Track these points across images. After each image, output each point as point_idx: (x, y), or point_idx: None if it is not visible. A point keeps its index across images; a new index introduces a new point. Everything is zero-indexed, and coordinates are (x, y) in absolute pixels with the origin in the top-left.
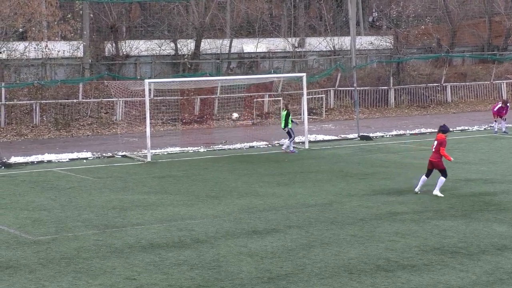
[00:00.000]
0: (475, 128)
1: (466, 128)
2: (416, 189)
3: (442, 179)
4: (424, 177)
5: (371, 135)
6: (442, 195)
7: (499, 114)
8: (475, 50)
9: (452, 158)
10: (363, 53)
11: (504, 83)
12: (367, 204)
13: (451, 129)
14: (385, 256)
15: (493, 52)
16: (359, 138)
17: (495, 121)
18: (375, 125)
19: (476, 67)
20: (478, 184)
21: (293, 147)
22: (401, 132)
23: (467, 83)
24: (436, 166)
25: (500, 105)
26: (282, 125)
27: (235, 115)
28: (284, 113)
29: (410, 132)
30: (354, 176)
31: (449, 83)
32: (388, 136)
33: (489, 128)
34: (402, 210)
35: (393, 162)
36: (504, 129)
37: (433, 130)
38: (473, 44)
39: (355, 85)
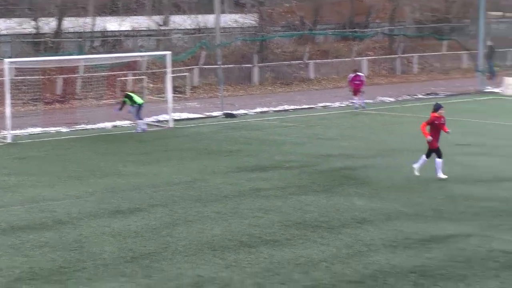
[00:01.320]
0: (337, 104)
1: (328, 104)
2: (416, 169)
3: (438, 161)
4: (424, 157)
5: (235, 112)
6: (446, 177)
7: (356, 88)
8: (337, 28)
9: (429, 137)
10: (227, 31)
11: (365, 60)
12: (231, 181)
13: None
14: (249, 232)
15: (354, 30)
16: (223, 116)
17: (355, 96)
18: (239, 102)
19: (338, 45)
20: (339, 159)
21: (141, 128)
22: (265, 109)
23: (329, 60)
24: (431, 146)
25: (353, 75)
26: (136, 102)
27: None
28: (126, 99)
29: (274, 109)
30: (218, 154)
31: (312, 60)
32: (252, 113)
33: (350, 104)
34: (265, 186)
35: (257, 139)
36: (359, 104)
37: (297, 107)
38: (335, 22)
39: (219, 63)
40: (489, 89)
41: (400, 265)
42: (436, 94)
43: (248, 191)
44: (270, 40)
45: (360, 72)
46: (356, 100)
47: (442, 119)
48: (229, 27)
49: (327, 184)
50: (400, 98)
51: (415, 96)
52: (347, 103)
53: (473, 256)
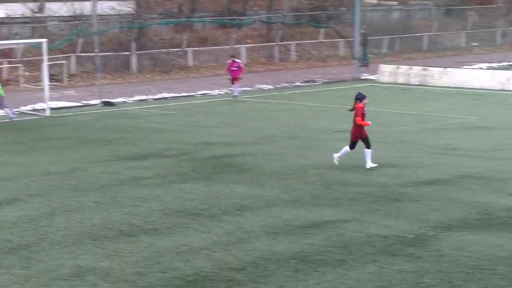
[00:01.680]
0: (216, 92)
1: (208, 92)
2: (336, 159)
3: (367, 151)
4: (347, 148)
5: (113, 100)
6: (376, 164)
7: (234, 75)
8: (216, 16)
9: (369, 122)
10: (104, 19)
11: (244, 48)
12: (109, 170)
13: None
14: (129, 221)
15: (232, 18)
16: (101, 104)
17: (233, 84)
18: (117, 90)
19: (217, 32)
20: (219, 147)
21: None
22: (144, 97)
23: (208, 48)
24: (359, 136)
25: (230, 61)
26: None
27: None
28: None
29: (153, 97)
30: (97, 142)
31: (191, 48)
32: (131, 101)
33: (229, 91)
34: (145, 174)
35: (136, 128)
36: (235, 93)
37: (176, 95)
38: (213, 9)
39: (96, 50)
40: (366, 76)
41: (280, 251)
42: (314, 81)
43: (128, 180)
44: (148, 27)
45: (238, 58)
46: (234, 88)
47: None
48: (106, 14)
49: (207, 172)
50: (278, 86)
51: (293, 84)
52: (226, 90)
53: (351, 242)
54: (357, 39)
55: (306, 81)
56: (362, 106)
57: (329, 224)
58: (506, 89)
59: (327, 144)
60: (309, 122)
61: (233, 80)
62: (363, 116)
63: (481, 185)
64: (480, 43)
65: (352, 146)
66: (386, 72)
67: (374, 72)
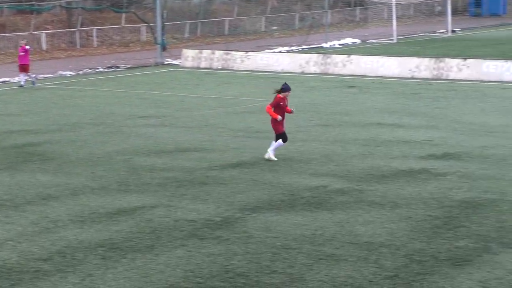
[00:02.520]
0: (17, 79)
1: (8, 79)
2: (273, 157)
3: (279, 142)
4: (280, 141)
5: None
6: (275, 159)
7: (21, 62)
8: (14, 1)
9: (279, 116)
10: None
11: (44, 34)
12: None
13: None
14: None
15: (31, 3)
16: None
17: (22, 73)
18: None
19: (15, 18)
20: (21, 135)
21: None
22: None
23: (6, 35)
24: (278, 130)
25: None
26: None
27: None
28: None
29: None
30: None
31: None
32: None
33: (30, 79)
34: None
35: None
36: (22, 83)
37: None
38: None
39: None
40: (169, 61)
41: (88, 239)
42: (117, 67)
43: None
44: None
45: (28, 44)
46: (23, 77)
47: (286, 100)
48: None
49: (10, 161)
50: (81, 72)
51: (96, 70)
52: (27, 77)
53: (159, 227)
54: (159, 24)
55: (109, 67)
56: (281, 97)
57: (137, 210)
58: (306, 72)
59: (132, 130)
60: (113, 108)
61: (22, 67)
62: (278, 107)
63: (285, 167)
64: (279, 27)
65: (283, 138)
66: (189, 57)
67: (177, 57)
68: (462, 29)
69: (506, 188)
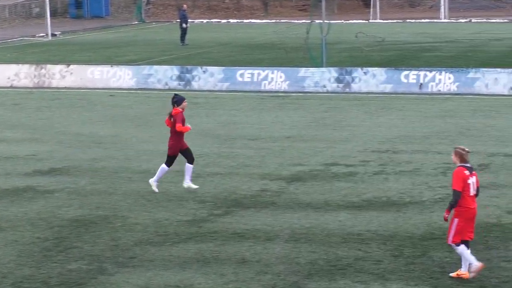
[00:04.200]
0: None
1: None
2: (155, 188)
3: (188, 166)
4: (164, 166)
5: None
6: (197, 187)
7: None
8: None
9: (190, 127)
10: None
11: None
12: None
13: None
14: None
15: None
16: None
17: None
18: None
19: None
20: None
21: None
22: None
23: None
24: (179, 148)
25: None
26: None
27: None
28: None
29: None
30: None
31: None
32: None
33: None
34: None
35: None
36: None
37: None
38: None
39: None
40: None
41: None
42: None
43: None
44: None
45: None
46: None
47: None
48: None
49: None
50: None
51: None
52: None
53: None
54: None
55: None
56: (181, 110)
57: None
58: None
59: None
60: None
61: None
62: (183, 122)
63: None
64: None
65: (170, 162)
66: None
67: None
68: (64, 33)
69: (118, 203)
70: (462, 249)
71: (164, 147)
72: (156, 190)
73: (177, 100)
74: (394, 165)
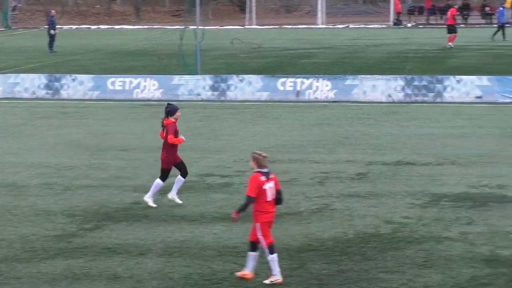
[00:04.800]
0: None
1: None
2: (152, 203)
3: (180, 179)
4: (158, 181)
5: None
6: (181, 202)
7: None
8: None
9: (183, 138)
10: None
11: None
12: None
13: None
14: None
15: None
16: None
17: None
18: None
19: None
20: None
21: None
22: None
23: None
24: (172, 162)
25: None
26: None
27: None
28: None
29: None
30: None
31: None
32: None
33: None
34: None
35: None
36: None
37: None
38: None
39: None
40: None
41: None
42: None
43: None
44: None
45: None
46: None
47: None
48: None
49: None
50: None
51: None
52: None
53: None
54: None
55: None
56: (174, 121)
57: None
58: None
59: None
60: None
61: None
62: (176, 133)
63: None
64: None
65: (164, 177)
66: None
67: None
68: None
69: None
70: (272, 257)
71: (31, 159)
72: (154, 205)
73: (170, 110)
74: None
